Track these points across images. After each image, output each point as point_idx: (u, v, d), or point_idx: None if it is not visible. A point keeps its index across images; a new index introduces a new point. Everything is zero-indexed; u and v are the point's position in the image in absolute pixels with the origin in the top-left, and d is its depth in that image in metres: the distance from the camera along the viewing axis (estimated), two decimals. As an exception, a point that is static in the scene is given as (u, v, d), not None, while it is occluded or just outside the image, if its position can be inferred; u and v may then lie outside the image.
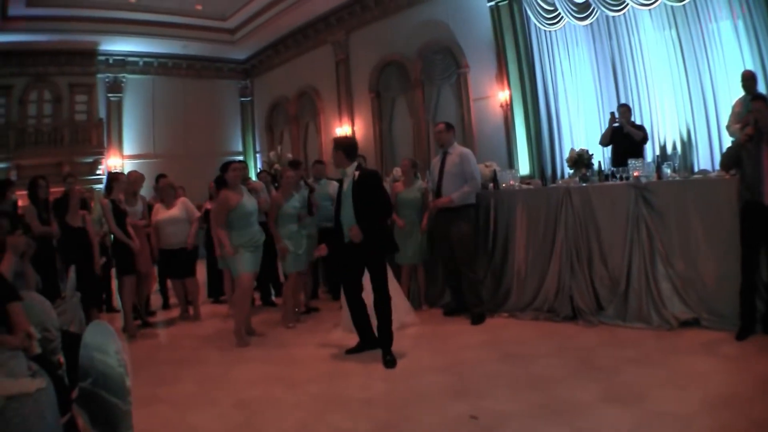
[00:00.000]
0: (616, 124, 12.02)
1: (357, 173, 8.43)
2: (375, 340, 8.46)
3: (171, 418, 6.47)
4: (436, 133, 10.50)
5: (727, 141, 11.93)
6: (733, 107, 10.36)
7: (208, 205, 12.51)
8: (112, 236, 11.01)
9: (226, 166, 9.90)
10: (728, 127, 10.45)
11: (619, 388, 6.19)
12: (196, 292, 12.21)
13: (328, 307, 11.47)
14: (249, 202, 9.87)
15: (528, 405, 5.95)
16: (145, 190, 12.79)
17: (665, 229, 8.53)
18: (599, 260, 9.15)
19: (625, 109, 12.27)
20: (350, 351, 8.64)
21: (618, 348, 7.59)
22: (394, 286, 9.74)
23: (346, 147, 8.61)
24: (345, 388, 7.14)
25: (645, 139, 12.07)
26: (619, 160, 10.52)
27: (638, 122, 14.14)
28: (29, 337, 4.61)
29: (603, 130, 12.75)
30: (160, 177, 12.61)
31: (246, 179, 12.25)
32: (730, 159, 7.94)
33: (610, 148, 12.53)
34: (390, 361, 7.94)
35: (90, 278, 9.88)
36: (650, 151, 13.94)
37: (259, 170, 17.41)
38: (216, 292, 13.53)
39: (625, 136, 11.73)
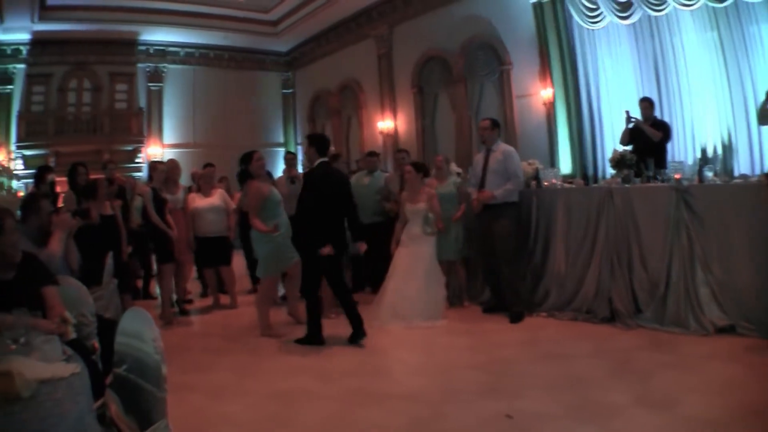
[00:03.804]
0: (632, 124, 11.69)
1: (312, 168, 9.09)
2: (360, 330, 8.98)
3: (203, 406, 6.57)
4: (481, 129, 10.49)
5: (768, 145, 11.86)
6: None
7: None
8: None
9: (249, 158, 9.90)
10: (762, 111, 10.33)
11: (653, 392, 6.19)
12: (231, 281, 12.38)
13: (366, 300, 11.37)
14: (275, 192, 10.05)
15: (563, 406, 5.97)
16: (184, 180, 12.84)
17: (705, 234, 8.46)
18: (639, 262, 9.10)
19: (646, 104, 11.90)
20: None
21: (654, 352, 7.58)
22: (437, 288, 10.01)
23: (317, 142, 9.32)
24: (380, 382, 7.19)
25: (665, 138, 11.57)
26: (640, 159, 10.30)
27: (679, 123, 14.05)
28: (64, 322, 4.63)
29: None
30: (207, 165, 12.66)
31: (291, 169, 12.37)
32: None
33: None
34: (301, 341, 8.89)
35: (120, 265, 9.94)
36: (690, 153, 13.85)
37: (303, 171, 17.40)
38: (257, 281, 13.41)
39: (645, 134, 11.37)
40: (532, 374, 7.09)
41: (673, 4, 13.71)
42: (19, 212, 6.67)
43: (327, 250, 8.75)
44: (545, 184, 10.62)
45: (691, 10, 13.58)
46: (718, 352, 7.34)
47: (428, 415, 5.99)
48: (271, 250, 9.64)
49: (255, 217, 9.51)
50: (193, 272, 13.42)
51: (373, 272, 12.42)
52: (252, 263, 12.89)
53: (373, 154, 13.38)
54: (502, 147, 10.29)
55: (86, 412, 3.54)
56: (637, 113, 11.72)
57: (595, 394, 6.25)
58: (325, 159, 9.29)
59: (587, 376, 6.87)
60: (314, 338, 8.95)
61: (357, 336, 8.89)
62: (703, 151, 13.69)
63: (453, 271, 11.19)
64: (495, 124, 10.49)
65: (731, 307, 8.12)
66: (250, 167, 9.78)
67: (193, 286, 13.49)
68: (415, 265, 10.19)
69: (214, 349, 9.06)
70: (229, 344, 9.35)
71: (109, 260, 8.47)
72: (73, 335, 4.66)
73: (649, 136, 11.20)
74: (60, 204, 10.70)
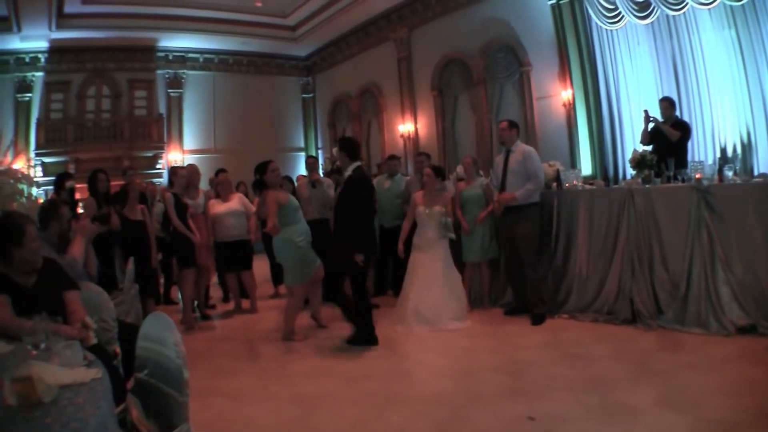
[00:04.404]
0: (651, 123, 11.63)
1: (351, 174, 8.95)
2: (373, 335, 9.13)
3: (227, 410, 6.62)
4: (500, 131, 10.52)
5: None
6: None
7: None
8: (171, 228, 11.11)
9: (264, 168, 9.88)
10: None
11: (675, 393, 6.17)
12: (252, 286, 12.41)
13: (391, 302, 11.39)
14: (293, 198, 10.07)
15: (584, 408, 5.96)
16: (203, 185, 12.94)
17: (726, 233, 8.43)
18: (660, 263, 9.08)
19: (666, 104, 11.80)
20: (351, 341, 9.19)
21: (675, 353, 7.57)
22: (457, 288, 10.00)
23: (348, 147, 9.31)
24: (402, 385, 7.22)
25: (684, 138, 11.42)
26: (661, 159, 10.29)
27: (699, 122, 14.01)
28: (86, 327, 4.65)
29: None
30: (219, 171, 12.71)
31: (312, 173, 12.42)
32: None
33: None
34: (351, 341, 9.01)
35: (147, 270, 9.98)
36: (710, 153, 13.84)
37: (327, 172, 17.47)
38: (278, 285, 13.56)
39: (664, 134, 11.30)
40: (554, 376, 7.08)
41: (690, 2, 13.65)
42: (38, 219, 6.70)
43: (360, 258, 8.84)
44: (566, 185, 10.62)
45: (709, 9, 13.51)
46: (740, 352, 7.33)
47: (450, 418, 6.00)
48: (295, 258, 9.68)
49: (273, 219, 9.51)
50: (214, 277, 13.48)
51: (395, 275, 12.43)
52: (275, 268, 12.92)
53: (393, 157, 13.39)
54: (521, 147, 10.30)
55: (108, 417, 3.55)
56: (657, 113, 11.67)
57: (617, 395, 6.24)
58: (359, 163, 9.32)
59: (609, 377, 6.87)
60: (369, 338, 9.03)
61: (365, 341, 9.03)
62: (723, 151, 13.63)
63: (478, 273, 11.22)
64: (513, 124, 10.52)
65: (752, 307, 8.08)
66: (265, 177, 9.79)
67: (214, 291, 13.53)
68: (433, 269, 10.16)
69: (237, 354, 9.12)
70: (251, 349, 9.43)
71: (131, 265, 8.51)
72: (94, 340, 4.68)
73: (668, 136, 11.15)
74: (79, 210, 10.74)
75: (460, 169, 11.91)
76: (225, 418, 6.35)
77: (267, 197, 9.60)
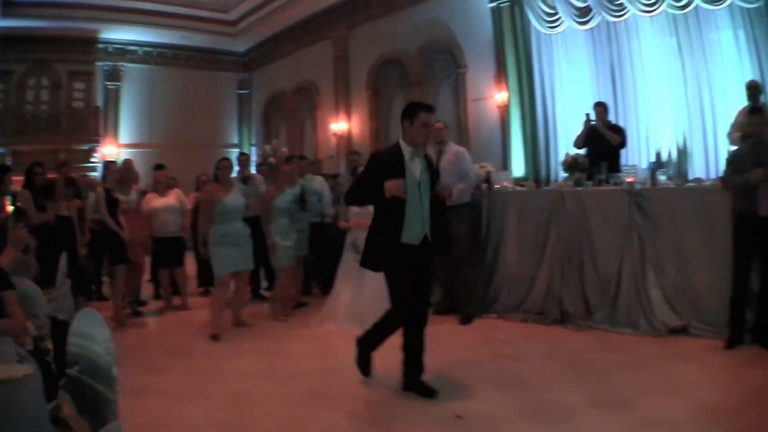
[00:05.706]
0: (593, 123, 11.65)
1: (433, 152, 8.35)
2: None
3: (161, 408, 6.48)
4: (437, 131, 10.47)
5: (723, 150, 11.94)
6: (736, 117, 10.28)
7: (200, 196, 12.54)
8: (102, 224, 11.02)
9: (217, 163, 10.15)
10: (729, 135, 10.42)
11: (607, 392, 6.22)
12: (184, 282, 12.38)
13: (318, 302, 11.38)
14: (234, 201, 9.92)
15: (515, 407, 5.99)
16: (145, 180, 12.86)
17: (658, 236, 8.56)
18: (590, 265, 9.19)
19: (601, 109, 11.89)
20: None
21: (606, 353, 7.64)
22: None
23: None
24: (335, 383, 7.19)
25: (622, 144, 11.62)
26: (593, 163, 10.43)
27: (634, 128, 14.17)
28: (26, 332, 4.62)
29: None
30: (158, 167, 12.62)
31: (244, 169, 12.39)
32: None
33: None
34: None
35: (76, 266, 9.87)
36: (645, 158, 13.98)
37: (258, 164, 17.41)
38: (205, 282, 13.45)
39: (602, 138, 11.38)
40: (483, 375, 7.11)
41: (632, 10, 13.82)
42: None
43: None
44: (497, 186, 10.70)
45: (651, 16, 13.71)
46: (672, 352, 7.44)
47: (381, 416, 6.02)
48: (220, 251, 9.71)
49: (204, 222, 9.69)
50: (147, 274, 13.41)
51: (322, 273, 12.49)
52: (202, 266, 12.90)
53: (302, 157, 13.58)
54: (454, 148, 10.39)
55: (40, 413, 3.55)
56: (591, 117, 11.76)
57: (549, 395, 6.28)
58: None
59: (540, 377, 6.91)
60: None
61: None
62: (658, 156, 13.80)
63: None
64: (446, 125, 10.65)
65: (685, 308, 8.24)
66: (217, 172, 9.99)
67: (146, 288, 13.43)
68: (362, 269, 10.14)
69: (170, 351, 9.00)
70: (184, 346, 9.29)
71: (63, 261, 8.43)
72: (30, 346, 4.65)
73: (606, 140, 11.21)
74: (16, 204, 10.62)
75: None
76: (159, 416, 6.18)
77: (204, 189, 9.65)
